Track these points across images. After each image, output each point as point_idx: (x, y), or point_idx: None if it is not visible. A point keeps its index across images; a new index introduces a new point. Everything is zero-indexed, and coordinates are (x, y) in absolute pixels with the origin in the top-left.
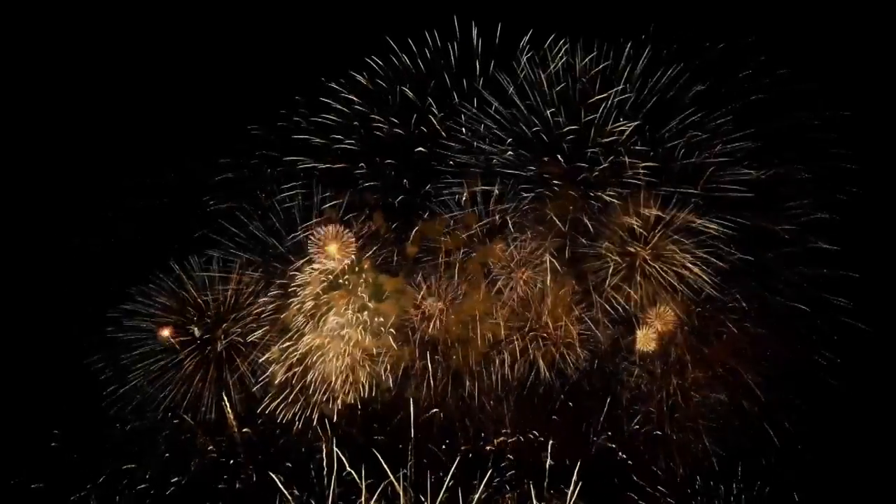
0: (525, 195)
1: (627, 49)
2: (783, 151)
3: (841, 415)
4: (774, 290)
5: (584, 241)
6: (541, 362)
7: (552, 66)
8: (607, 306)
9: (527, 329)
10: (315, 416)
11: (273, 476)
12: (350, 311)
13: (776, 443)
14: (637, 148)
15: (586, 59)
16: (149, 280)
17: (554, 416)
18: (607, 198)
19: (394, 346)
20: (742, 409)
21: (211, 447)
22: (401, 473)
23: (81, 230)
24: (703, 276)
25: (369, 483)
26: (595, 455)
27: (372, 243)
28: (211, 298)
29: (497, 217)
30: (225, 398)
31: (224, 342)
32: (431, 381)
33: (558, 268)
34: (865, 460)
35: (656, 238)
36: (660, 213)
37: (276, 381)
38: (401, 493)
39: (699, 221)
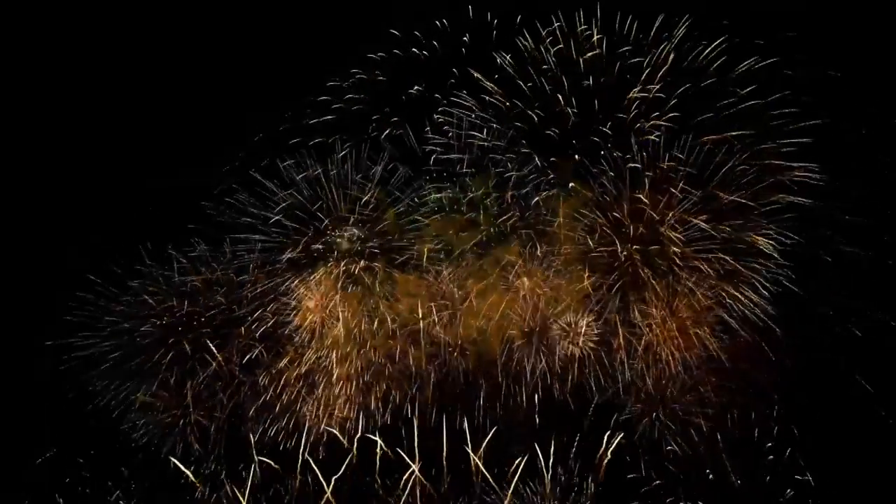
0: (537, 196)
1: (649, 42)
2: (824, 157)
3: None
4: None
5: (593, 243)
6: (552, 371)
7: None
8: (623, 312)
9: (537, 335)
10: (326, 430)
11: (284, 477)
12: (362, 322)
13: (798, 457)
14: (654, 147)
15: (605, 53)
16: (152, 277)
17: (566, 425)
18: (625, 201)
19: (410, 351)
20: (758, 416)
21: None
22: (417, 487)
23: (82, 233)
24: (742, 298)
25: (380, 494)
26: (607, 463)
27: (383, 243)
28: (225, 301)
29: (509, 219)
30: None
31: (239, 349)
32: (445, 389)
33: (573, 270)
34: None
35: (680, 244)
36: (684, 216)
37: (286, 398)
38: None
39: (729, 227)
